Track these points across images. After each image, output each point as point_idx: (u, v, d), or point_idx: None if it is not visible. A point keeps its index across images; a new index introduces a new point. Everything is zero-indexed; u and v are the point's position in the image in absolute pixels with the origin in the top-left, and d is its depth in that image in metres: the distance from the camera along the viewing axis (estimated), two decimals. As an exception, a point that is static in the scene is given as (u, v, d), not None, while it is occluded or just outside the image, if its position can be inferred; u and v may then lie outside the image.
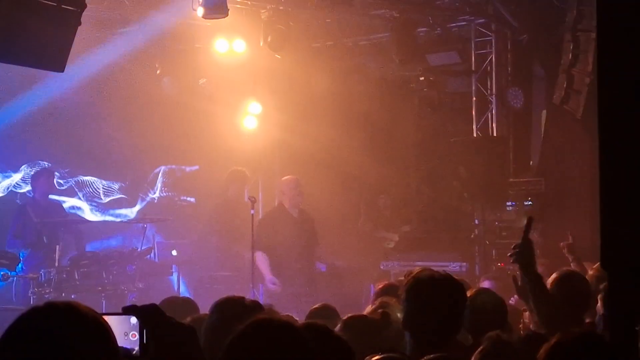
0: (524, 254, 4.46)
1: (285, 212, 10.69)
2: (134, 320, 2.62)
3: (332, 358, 3.00)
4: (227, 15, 10.65)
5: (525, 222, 4.58)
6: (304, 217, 10.77)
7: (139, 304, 2.70)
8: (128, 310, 2.64)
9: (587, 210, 10.51)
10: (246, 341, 2.51)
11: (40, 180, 10.96)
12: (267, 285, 10.19)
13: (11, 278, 10.05)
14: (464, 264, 11.53)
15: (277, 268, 10.29)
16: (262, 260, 10.34)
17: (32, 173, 11.36)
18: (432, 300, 3.93)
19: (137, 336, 2.62)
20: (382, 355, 3.53)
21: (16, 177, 12.16)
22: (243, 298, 4.19)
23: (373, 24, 12.68)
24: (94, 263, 10.35)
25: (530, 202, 11.77)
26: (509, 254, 4.65)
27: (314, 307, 5.77)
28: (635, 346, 2.79)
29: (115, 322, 2.49)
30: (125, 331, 2.60)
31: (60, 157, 12.41)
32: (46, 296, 9.66)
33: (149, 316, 2.63)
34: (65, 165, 12.60)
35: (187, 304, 6.26)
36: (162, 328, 2.63)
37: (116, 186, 13.10)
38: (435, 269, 4.26)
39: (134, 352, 2.61)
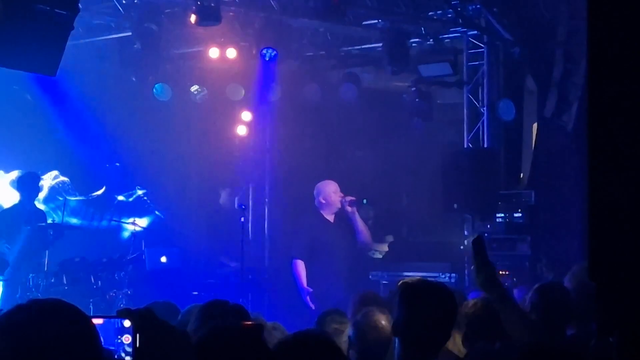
0: (479, 275, 4.33)
1: (322, 217, 10.39)
2: (127, 323, 2.62)
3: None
4: (220, 22, 10.67)
5: (473, 243, 4.38)
6: (339, 218, 10.44)
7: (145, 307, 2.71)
8: (122, 314, 2.65)
9: (576, 223, 10.54)
10: (207, 346, 2.52)
11: (27, 184, 10.92)
12: (303, 298, 9.90)
13: (-1, 282, 10.03)
14: (453, 274, 11.55)
15: (319, 276, 9.97)
16: (299, 270, 10.05)
17: (18, 177, 11.31)
18: (423, 307, 3.93)
19: (130, 339, 2.62)
20: None
21: None
22: (227, 302, 4.19)
23: (365, 34, 12.71)
24: (83, 268, 10.35)
25: (520, 214, 11.79)
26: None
27: (324, 310, 5.80)
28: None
29: (108, 325, 2.49)
30: (118, 334, 2.61)
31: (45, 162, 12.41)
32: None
33: (142, 320, 2.63)
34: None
35: (169, 308, 6.26)
36: (156, 332, 2.63)
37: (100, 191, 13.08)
38: (425, 279, 4.26)
39: (123, 355, 2.61)
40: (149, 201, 12.94)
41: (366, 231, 10.21)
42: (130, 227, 11.81)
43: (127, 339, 2.62)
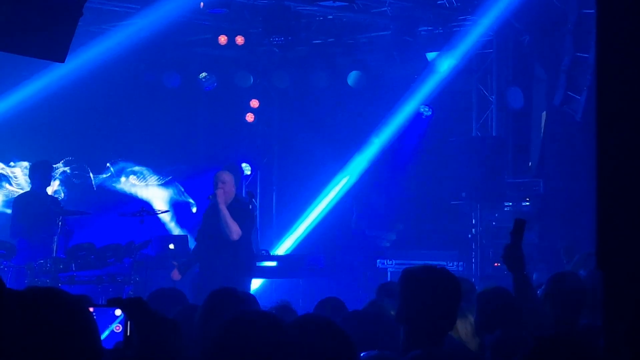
0: (511, 257, 4.42)
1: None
2: (118, 312, 2.62)
3: (332, 352, 2.99)
4: (229, 10, 10.68)
5: (515, 224, 4.48)
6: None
7: (135, 296, 2.71)
8: (113, 303, 2.65)
9: (585, 212, 10.52)
10: (229, 333, 2.51)
11: (38, 172, 10.94)
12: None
13: (7, 268, 10.05)
14: (461, 263, 11.56)
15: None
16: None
17: (30, 165, 11.34)
18: (425, 294, 3.92)
19: (121, 328, 2.62)
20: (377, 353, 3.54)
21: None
22: (235, 289, 4.20)
23: (374, 22, 12.68)
24: (91, 255, 10.35)
25: (528, 203, 11.78)
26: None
27: (322, 299, 5.82)
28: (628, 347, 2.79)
29: (99, 314, 2.49)
30: (109, 323, 2.61)
31: (58, 150, 12.44)
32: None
33: (133, 309, 2.63)
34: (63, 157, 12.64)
35: (176, 295, 6.28)
36: (147, 321, 2.63)
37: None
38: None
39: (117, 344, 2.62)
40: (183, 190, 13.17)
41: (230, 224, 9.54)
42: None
43: (117, 328, 2.62)
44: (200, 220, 9.65)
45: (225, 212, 9.05)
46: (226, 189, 9.23)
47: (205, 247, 9.33)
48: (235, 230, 9.08)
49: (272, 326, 2.56)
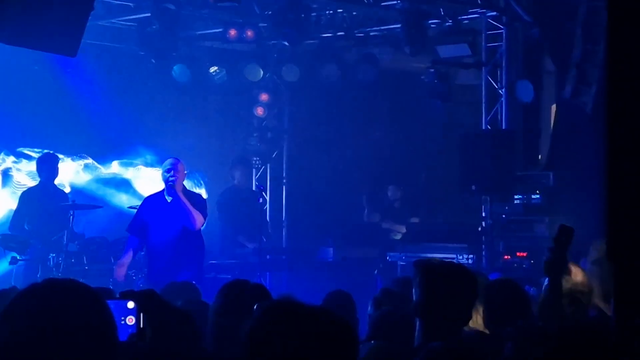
0: (554, 263, 4.40)
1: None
2: (131, 304, 2.63)
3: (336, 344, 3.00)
4: (240, 2, 10.67)
5: (560, 231, 4.41)
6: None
7: (147, 288, 2.72)
8: (125, 295, 2.66)
9: (595, 205, 10.50)
10: (265, 325, 2.48)
11: (46, 164, 10.98)
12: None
13: (20, 262, 10.09)
14: (471, 256, 11.55)
15: None
16: None
17: (37, 159, 11.39)
18: (445, 289, 3.95)
19: (134, 321, 2.63)
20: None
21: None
22: (247, 281, 4.22)
23: (384, 15, 12.67)
24: (103, 248, 10.39)
25: (538, 196, 11.77)
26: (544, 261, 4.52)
27: (330, 292, 5.87)
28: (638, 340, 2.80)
29: (112, 307, 2.51)
30: (122, 316, 2.62)
31: (69, 144, 12.50)
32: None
33: (146, 301, 2.65)
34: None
35: (189, 288, 6.31)
36: (159, 313, 2.65)
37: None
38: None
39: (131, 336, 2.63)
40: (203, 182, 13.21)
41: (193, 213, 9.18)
42: None
43: (130, 320, 2.64)
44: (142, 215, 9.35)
45: (187, 201, 9.06)
46: (181, 179, 9.22)
47: (164, 239, 9.11)
48: (199, 220, 9.11)
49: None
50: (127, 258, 9.40)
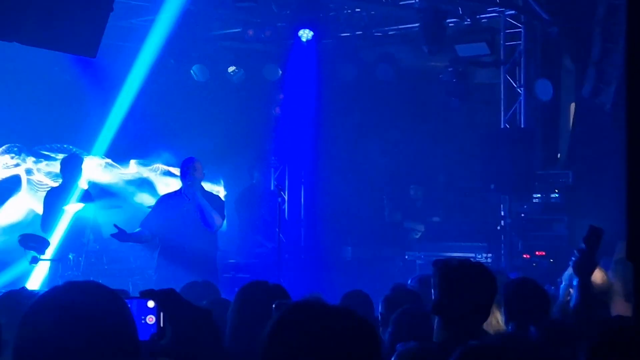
0: (584, 264, 4.41)
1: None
2: (151, 304, 2.64)
3: (360, 345, 3.00)
4: (258, 2, 10.70)
5: (590, 232, 4.40)
6: None
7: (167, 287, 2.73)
8: (146, 294, 2.67)
9: (614, 204, 10.46)
10: (287, 325, 2.48)
11: (69, 165, 11.03)
12: None
13: (40, 261, 10.15)
14: (490, 255, 11.54)
15: None
16: None
17: (61, 159, 11.44)
18: (465, 288, 3.96)
19: (154, 320, 2.64)
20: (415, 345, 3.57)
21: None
22: (266, 282, 4.24)
23: (402, 14, 12.67)
24: (122, 248, 10.44)
25: (557, 195, 11.74)
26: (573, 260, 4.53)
27: (347, 292, 5.89)
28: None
29: (132, 306, 2.52)
30: (142, 315, 2.63)
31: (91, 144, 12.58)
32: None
33: (166, 300, 2.66)
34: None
35: (208, 288, 6.33)
36: (179, 311, 2.66)
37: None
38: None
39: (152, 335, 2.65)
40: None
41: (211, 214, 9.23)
42: None
43: (151, 319, 2.65)
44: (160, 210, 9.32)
45: (205, 202, 9.05)
46: (199, 179, 9.20)
47: (180, 239, 9.07)
48: (218, 220, 9.09)
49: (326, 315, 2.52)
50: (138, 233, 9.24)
